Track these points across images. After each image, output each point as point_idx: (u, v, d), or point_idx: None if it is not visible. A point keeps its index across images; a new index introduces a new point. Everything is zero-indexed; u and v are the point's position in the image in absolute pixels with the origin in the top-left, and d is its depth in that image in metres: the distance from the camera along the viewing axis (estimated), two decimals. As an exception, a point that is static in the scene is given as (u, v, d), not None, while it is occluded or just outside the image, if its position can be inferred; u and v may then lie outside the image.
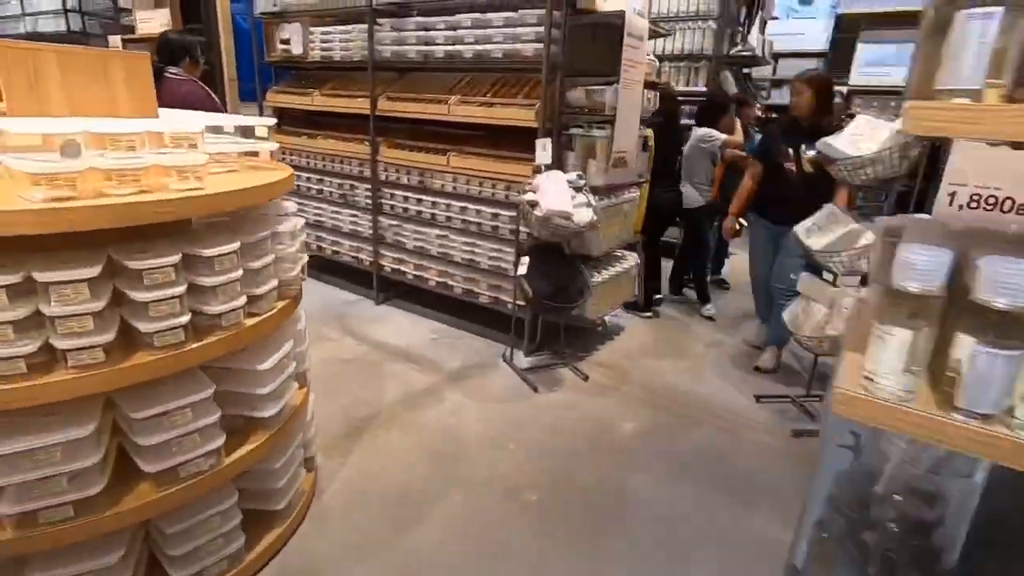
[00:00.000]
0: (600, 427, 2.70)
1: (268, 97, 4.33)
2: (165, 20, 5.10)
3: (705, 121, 3.84)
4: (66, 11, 5.88)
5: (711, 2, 5.02)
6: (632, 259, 3.65)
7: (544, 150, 2.91)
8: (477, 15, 3.10)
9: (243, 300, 1.54)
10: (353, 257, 4.12)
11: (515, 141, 3.32)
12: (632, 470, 2.39)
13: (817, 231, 2.57)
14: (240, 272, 1.52)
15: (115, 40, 5.41)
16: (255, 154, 1.92)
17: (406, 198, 3.70)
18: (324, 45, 3.83)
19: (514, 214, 3.23)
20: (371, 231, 3.92)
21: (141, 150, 1.32)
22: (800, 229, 2.63)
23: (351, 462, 2.34)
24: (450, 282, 3.62)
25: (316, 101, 3.97)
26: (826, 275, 2.72)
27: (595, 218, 2.82)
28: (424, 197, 3.61)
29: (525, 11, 2.93)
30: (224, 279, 1.47)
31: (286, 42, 4.02)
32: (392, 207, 3.80)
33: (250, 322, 1.58)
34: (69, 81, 1.38)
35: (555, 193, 2.74)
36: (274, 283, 1.69)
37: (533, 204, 2.77)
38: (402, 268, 3.84)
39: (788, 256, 3.10)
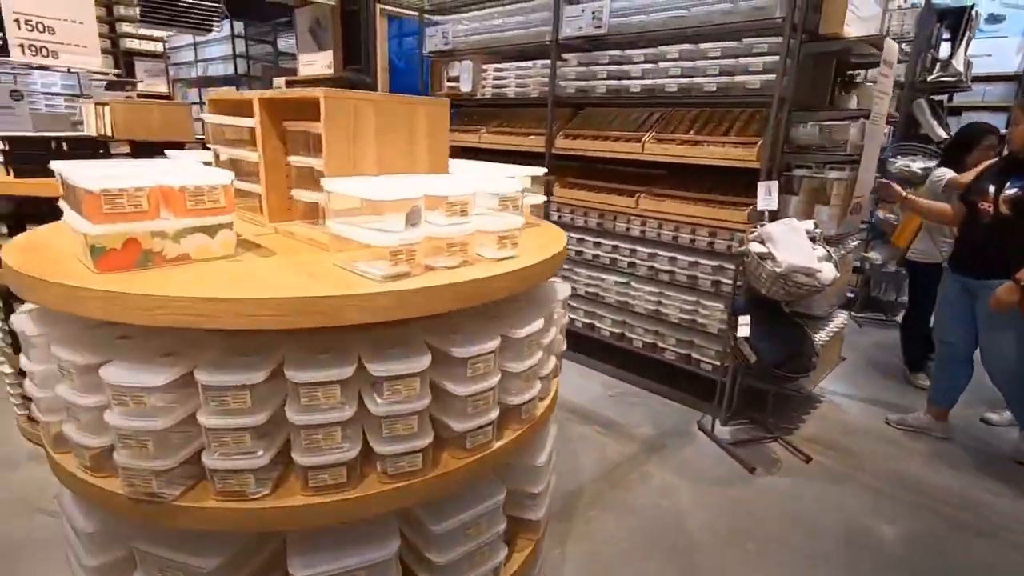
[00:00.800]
0: (852, 529, 2.23)
1: (430, 135, 4.29)
2: (327, 62, 5.29)
3: (947, 160, 3.26)
4: (235, 56, 6.33)
5: (904, 24, 4.48)
6: (842, 317, 3.16)
7: (768, 194, 2.54)
8: (686, 46, 2.82)
9: (539, 386, 1.29)
10: (511, 299, 3.92)
11: (718, 183, 2.99)
12: (922, 598, 1.90)
13: None
14: (541, 353, 1.27)
15: (279, 82, 5.70)
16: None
17: (580, 240, 3.45)
18: (497, 82, 3.72)
19: (717, 263, 2.88)
20: (536, 274, 3.69)
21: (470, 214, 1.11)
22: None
23: (571, 553, 2.03)
24: (628, 334, 3.29)
25: (483, 139, 3.86)
26: None
27: (839, 275, 2.40)
28: (603, 240, 3.34)
29: (751, 40, 2.61)
30: (531, 363, 1.22)
31: (454, 79, 3.96)
32: (562, 249, 3.56)
33: (539, 410, 1.33)
34: (380, 133, 1.21)
35: (795, 246, 2.35)
36: (554, 361, 1.44)
37: (764, 257, 2.40)
38: (569, 315, 3.57)
39: (1001, 326, 2.48)
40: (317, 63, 5.46)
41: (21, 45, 2.33)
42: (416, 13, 4.41)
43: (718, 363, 2.89)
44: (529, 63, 3.53)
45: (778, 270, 2.31)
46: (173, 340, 1.04)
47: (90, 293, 0.88)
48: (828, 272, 2.35)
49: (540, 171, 1.60)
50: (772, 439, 2.82)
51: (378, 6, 5.02)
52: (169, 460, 0.95)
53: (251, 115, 1.34)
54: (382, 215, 1.12)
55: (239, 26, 6.38)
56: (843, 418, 3.11)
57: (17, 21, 2.28)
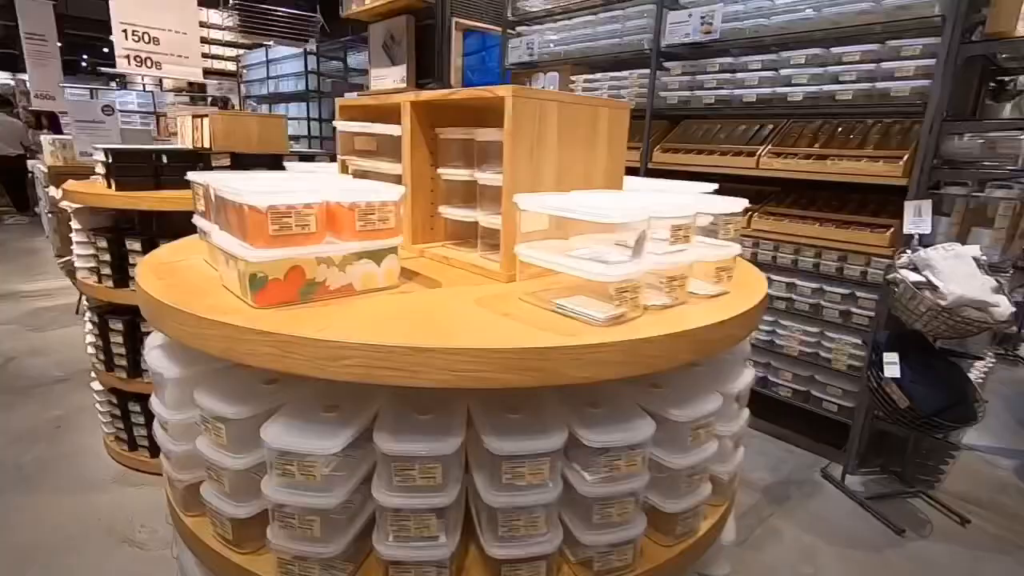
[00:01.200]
0: (1043, 616, 1.87)
1: (509, 149, 4.13)
2: (399, 76, 5.25)
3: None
4: (307, 72, 6.40)
5: None
6: (990, 356, 2.78)
7: (919, 215, 2.23)
8: (815, 50, 2.56)
9: (742, 451, 1.05)
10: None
11: (843, 202, 2.69)
12: None
13: None
14: (747, 412, 1.04)
15: (351, 96, 5.71)
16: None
17: (678, 262, 3.18)
18: (587, 93, 3.53)
19: (848, 291, 2.57)
20: (625, 296, 3.44)
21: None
22: None
23: (709, 627, 1.75)
24: (734, 366, 2.99)
25: (569, 153, 3.66)
26: None
27: (1014, 309, 2.06)
28: (705, 263, 3.06)
29: (899, 42, 2.32)
30: (741, 424, 0.99)
31: (538, 92, 3.80)
32: (656, 271, 3.31)
33: (737, 480, 1.09)
34: (562, 140, 1.01)
35: (963, 275, 2.03)
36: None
37: (921, 286, 2.09)
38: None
39: None
40: (389, 78, 5.43)
41: (127, 56, 2.30)
42: (497, 27, 4.29)
43: (849, 404, 2.57)
44: (624, 72, 3.33)
45: (943, 303, 2.00)
46: (330, 388, 0.85)
47: (260, 336, 0.70)
48: (1004, 306, 2.02)
49: (711, 187, 1.37)
50: (913, 494, 2.46)
51: (454, 19, 4.94)
52: (336, 545, 0.76)
53: (392, 121, 1.17)
54: (567, 238, 0.92)
55: (311, 43, 6.45)
56: (991, 472, 2.71)
57: (124, 32, 2.25)
